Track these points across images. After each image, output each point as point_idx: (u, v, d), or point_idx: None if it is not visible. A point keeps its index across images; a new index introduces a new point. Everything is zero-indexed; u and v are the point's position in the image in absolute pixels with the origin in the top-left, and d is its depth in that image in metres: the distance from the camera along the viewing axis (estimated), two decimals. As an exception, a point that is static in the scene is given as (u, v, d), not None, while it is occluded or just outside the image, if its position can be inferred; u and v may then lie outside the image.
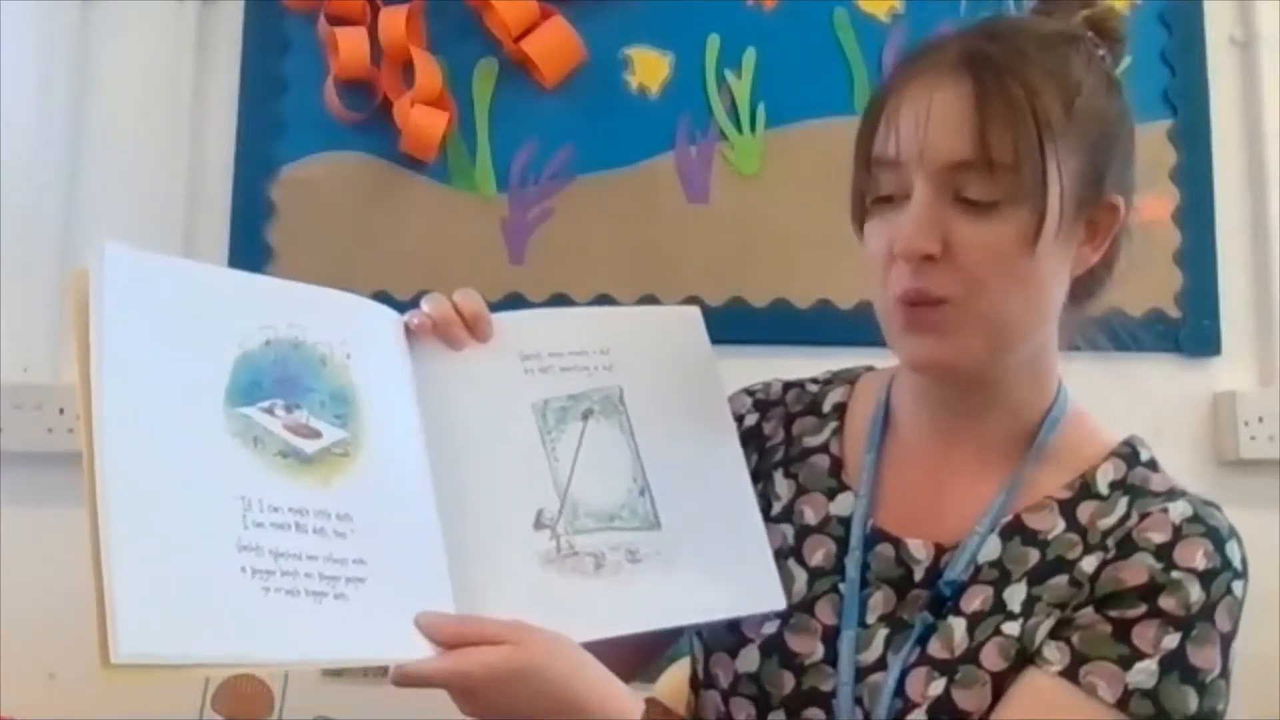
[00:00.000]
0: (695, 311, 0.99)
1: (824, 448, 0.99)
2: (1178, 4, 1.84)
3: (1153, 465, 0.91)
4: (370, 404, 0.83)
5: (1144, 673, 0.81)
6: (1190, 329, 1.80)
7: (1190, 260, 1.81)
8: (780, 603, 0.90)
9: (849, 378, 1.04)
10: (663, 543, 0.88)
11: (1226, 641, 0.83)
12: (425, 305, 0.89)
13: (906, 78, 0.87)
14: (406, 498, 0.82)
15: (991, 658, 0.85)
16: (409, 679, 0.74)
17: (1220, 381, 1.81)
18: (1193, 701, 0.81)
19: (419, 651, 0.75)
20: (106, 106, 1.78)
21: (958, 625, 0.87)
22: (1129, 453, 0.92)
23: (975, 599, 0.87)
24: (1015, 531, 0.89)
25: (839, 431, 0.99)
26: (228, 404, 0.77)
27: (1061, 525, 0.88)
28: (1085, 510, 0.88)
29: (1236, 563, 0.85)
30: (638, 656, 1.00)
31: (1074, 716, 0.82)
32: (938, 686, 0.85)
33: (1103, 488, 0.89)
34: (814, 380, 1.05)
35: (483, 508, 0.85)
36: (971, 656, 0.85)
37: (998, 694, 0.84)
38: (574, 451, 0.89)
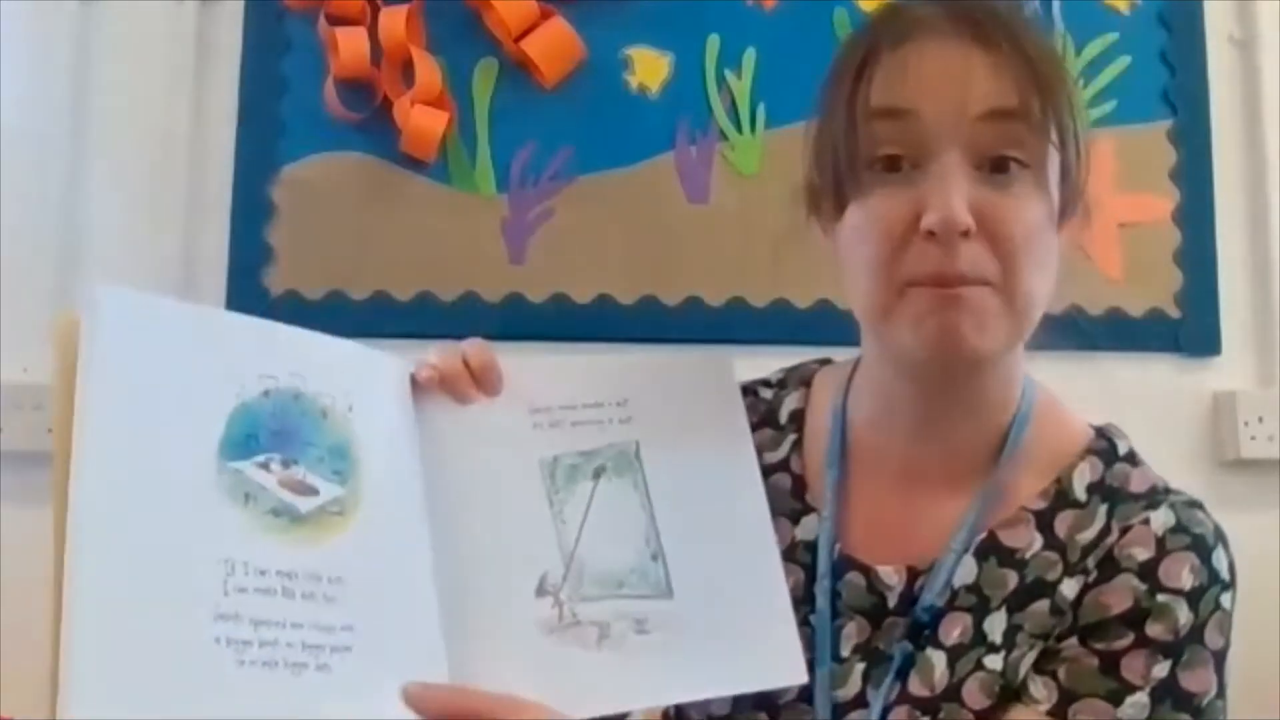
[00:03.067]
0: (725, 359, 0.92)
1: (784, 464, 0.93)
2: (1178, 4, 1.84)
3: (1131, 458, 0.87)
4: (371, 460, 0.79)
5: (1135, 706, 0.78)
6: (1190, 329, 1.80)
7: (1190, 260, 1.81)
8: (802, 677, 0.82)
9: (803, 378, 0.98)
10: (674, 613, 0.82)
11: (1219, 658, 0.80)
12: (433, 357, 0.85)
13: (902, 30, 0.80)
14: (403, 560, 0.78)
15: (973, 695, 0.81)
16: None
17: (1220, 381, 1.81)
18: None
19: None
20: (106, 106, 1.77)
21: (938, 659, 0.83)
22: (1105, 448, 0.87)
23: (954, 628, 0.83)
24: (991, 551, 0.84)
25: (798, 445, 0.94)
26: (221, 458, 0.73)
27: (1039, 541, 0.84)
28: (1063, 522, 0.84)
29: (1224, 573, 0.81)
30: None
31: None
32: None
33: (1080, 492, 0.85)
34: (766, 384, 0.99)
35: (483, 572, 0.80)
36: (954, 694, 0.82)
37: None
38: (583, 513, 0.84)
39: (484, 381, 0.86)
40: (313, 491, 0.75)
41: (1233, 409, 1.78)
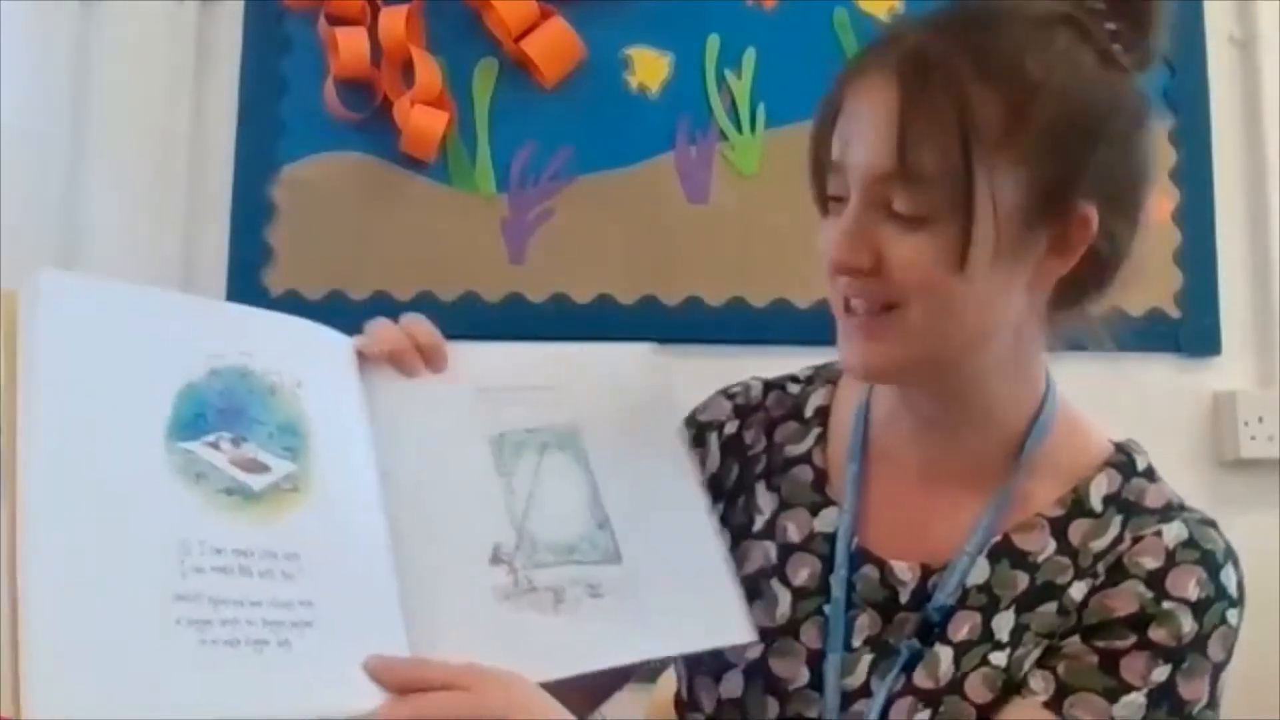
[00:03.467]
0: (649, 349, 0.97)
1: (807, 458, 0.95)
2: (1178, 4, 1.84)
3: (1149, 474, 0.88)
4: (322, 436, 0.78)
5: (1130, 706, 0.78)
6: (1190, 329, 1.80)
7: (1190, 260, 1.81)
8: (749, 635, 0.86)
9: (830, 376, 0.99)
10: (624, 577, 0.84)
11: (1217, 671, 0.81)
12: (376, 329, 0.86)
13: (854, 74, 0.82)
14: (358, 534, 0.77)
15: (976, 689, 0.82)
16: None
17: (1220, 381, 1.81)
18: None
19: (368, 699, 0.70)
20: (106, 106, 1.78)
21: (944, 654, 0.84)
22: (1124, 461, 0.88)
23: (963, 626, 0.84)
24: (1004, 553, 0.85)
25: (822, 439, 0.95)
26: (169, 439, 0.71)
27: (1052, 546, 0.85)
28: (1077, 530, 0.85)
29: (1232, 589, 0.82)
30: (595, 692, 0.96)
31: None
32: (922, 717, 0.82)
33: (1096, 503, 0.86)
34: (794, 379, 1.00)
35: (437, 543, 0.81)
36: (957, 687, 0.83)
37: None
38: (530, 485, 0.86)
39: (431, 358, 0.87)
40: (264, 469, 0.74)
41: (1233, 409, 1.78)
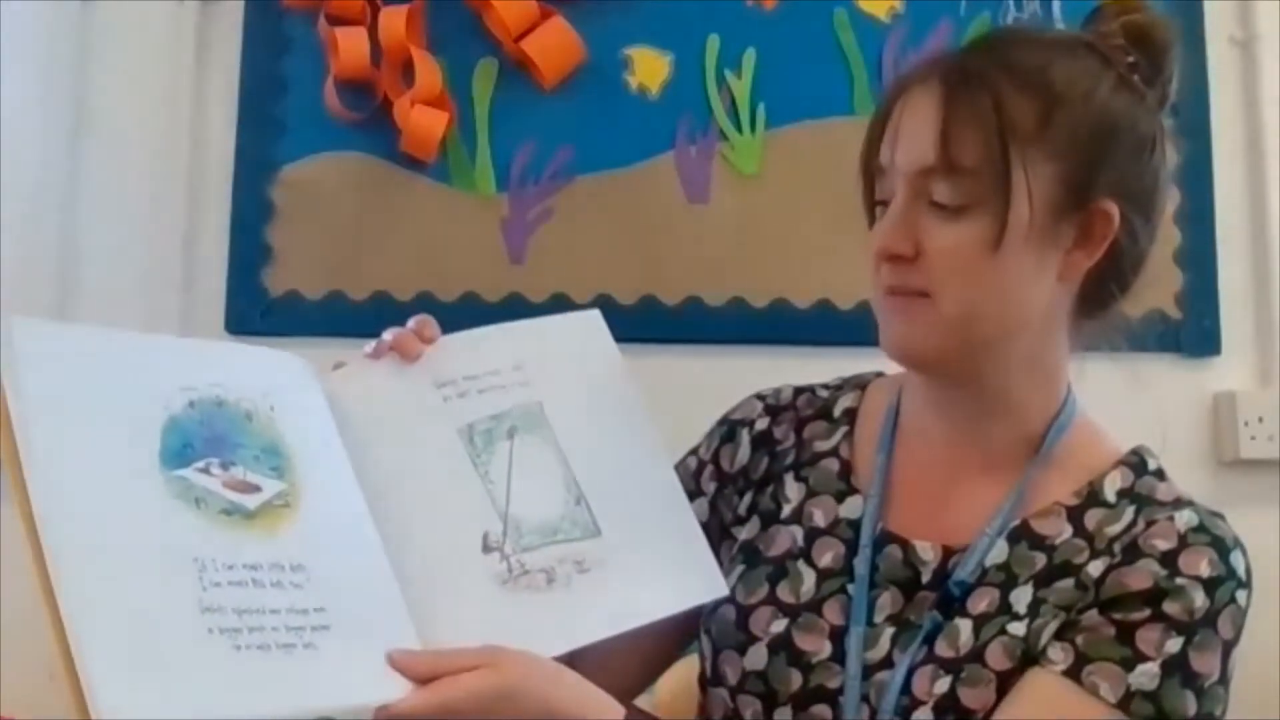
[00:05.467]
0: (595, 314, 0.99)
1: (834, 452, 1.00)
2: (1178, 4, 1.84)
3: (1160, 475, 0.92)
4: (302, 453, 0.83)
5: (1146, 675, 0.82)
6: (1190, 329, 1.80)
7: (1190, 260, 1.81)
8: (722, 590, 0.92)
9: (860, 383, 1.05)
10: (606, 549, 0.88)
11: (1228, 649, 0.84)
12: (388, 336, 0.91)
13: (899, 88, 0.91)
14: (353, 540, 0.82)
15: (997, 657, 0.86)
16: (394, 718, 0.74)
17: (1220, 381, 1.81)
18: (1191, 706, 0.83)
19: (396, 690, 0.75)
20: (106, 106, 1.78)
21: (964, 626, 0.88)
22: (1137, 462, 0.93)
23: (982, 600, 0.88)
24: (1023, 536, 0.90)
25: (849, 436, 1.01)
26: (164, 468, 0.76)
27: (1069, 531, 0.89)
28: (1093, 518, 0.89)
29: (1241, 572, 0.86)
30: (646, 668, 1.02)
31: (1076, 715, 0.83)
32: (943, 684, 0.86)
33: (1110, 495, 0.91)
34: (825, 386, 1.06)
35: (428, 540, 0.85)
36: (977, 655, 0.86)
37: (1002, 693, 0.85)
38: (507, 470, 0.89)
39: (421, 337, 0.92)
40: (255, 489, 0.79)
41: (1233, 409, 1.78)
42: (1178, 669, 0.83)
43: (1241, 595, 0.85)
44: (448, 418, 0.90)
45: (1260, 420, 1.77)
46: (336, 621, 0.76)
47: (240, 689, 0.70)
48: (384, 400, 0.89)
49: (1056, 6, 1.81)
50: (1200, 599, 0.83)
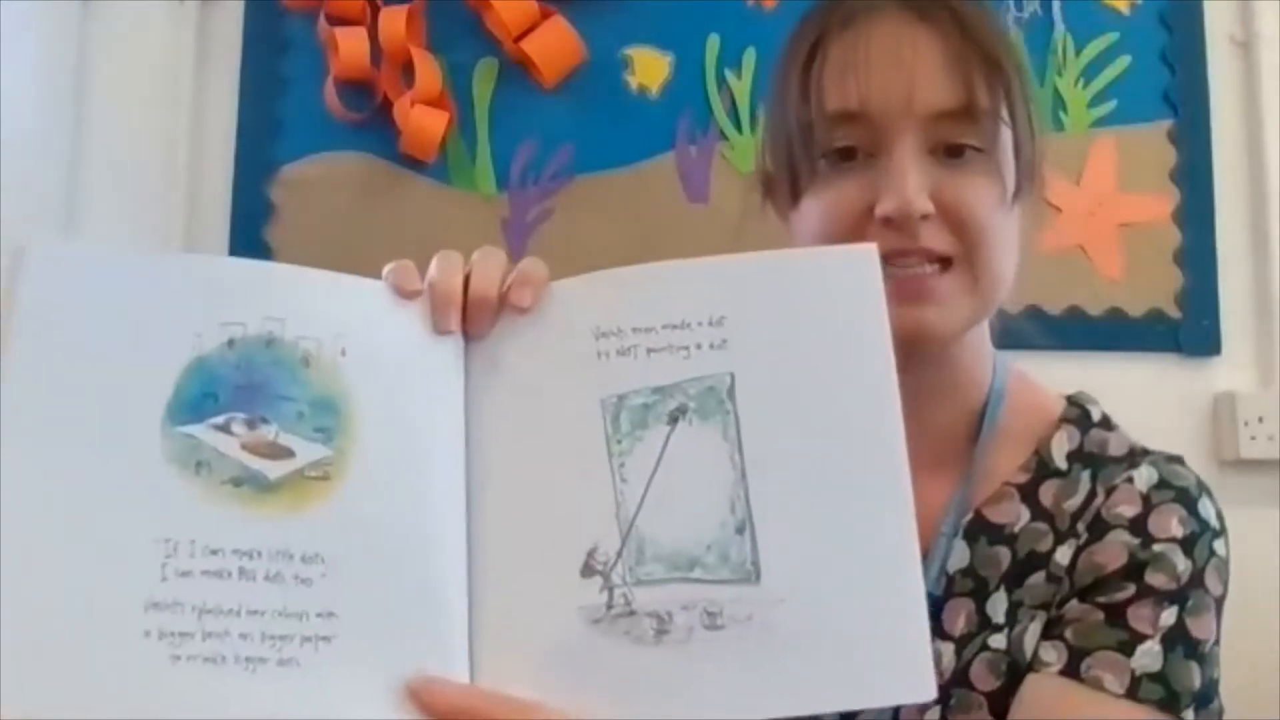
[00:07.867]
0: (870, 251, 0.68)
1: None
2: (1178, 4, 1.84)
3: (1106, 423, 0.88)
4: (368, 411, 0.66)
5: (1148, 655, 0.77)
6: (1190, 329, 1.80)
7: (1190, 260, 1.80)
8: (930, 693, 0.64)
9: None
10: (760, 602, 0.63)
11: (1219, 605, 0.81)
12: (431, 270, 0.73)
13: (850, 12, 0.81)
14: (409, 531, 0.65)
15: (982, 676, 0.81)
16: None
17: (1220, 381, 1.81)
18: (1197, 676, 0.78)
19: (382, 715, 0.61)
20: (106, 106, 1.78)
21: (945, 650, 0.82)
22: (1079, 415, 0.88)
23: (958, 617, 0.83)
24: (980, 531, 0.84)
25: None
26: (167, 422, 0.63)
27: (1026, 514, 0.84)
28: (1047, 491, 0.84)
29: (1213, 521, 0.82)
30: None
31: (1084, 715, 0.77)
32: (933, 715, 0.81)
33: (1060, 461, 0.85)
34: None
35: (516, 545, 0.65)
36: (962, 678, 0.81)
37: (996, 713, 0.80)
38: (651, 468, 0.66)
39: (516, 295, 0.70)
40: (286, 454, 0.65)
41: (1233, 409, 1.77)
42: (1179, 641, 0.78)
43: (1219, 545, 0.81)
44: (594, 381, 0.67)
45: (1260, 420, 1.77)
46: (347, 632, 0.62)
47: (156, 710, 0.59)
48: (522, 341, 0.68)
49: (1056, 6, 1.81)
50: (1182, 562, 0.78)
